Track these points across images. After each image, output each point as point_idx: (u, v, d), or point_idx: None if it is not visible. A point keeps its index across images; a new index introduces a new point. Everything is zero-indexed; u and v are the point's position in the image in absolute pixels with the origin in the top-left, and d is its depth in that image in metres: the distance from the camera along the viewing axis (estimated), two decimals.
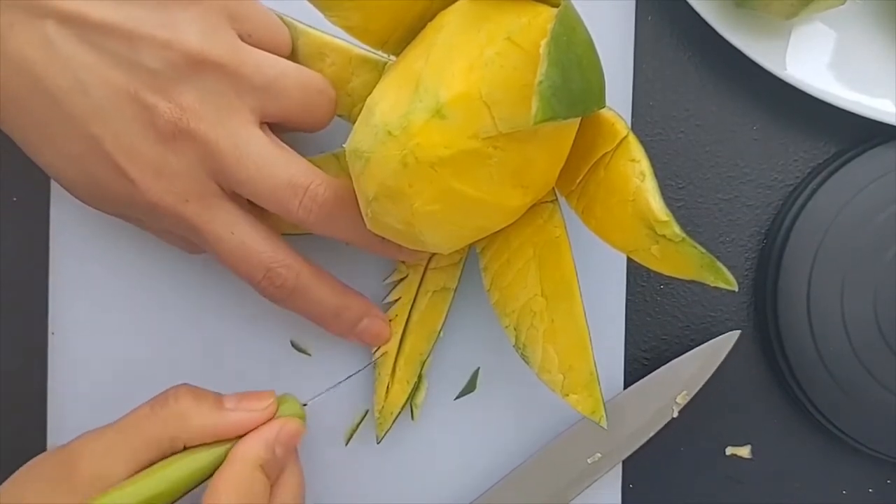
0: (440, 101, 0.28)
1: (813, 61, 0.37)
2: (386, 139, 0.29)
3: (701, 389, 0.38)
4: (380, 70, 0.34)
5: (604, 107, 0.30)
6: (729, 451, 0.40)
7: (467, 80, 0.28)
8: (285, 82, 0.32)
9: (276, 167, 0.32)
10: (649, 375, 0.38)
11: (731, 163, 0.40)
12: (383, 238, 0.33)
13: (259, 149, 0.32)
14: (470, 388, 0.39)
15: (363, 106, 0.31)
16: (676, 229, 0.29)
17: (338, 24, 0.32)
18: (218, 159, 0.31)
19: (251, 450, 0.32)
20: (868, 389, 0.38)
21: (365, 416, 0.38)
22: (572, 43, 0.28)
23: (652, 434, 0.38)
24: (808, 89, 0.37)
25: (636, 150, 0.30)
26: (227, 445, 0.33)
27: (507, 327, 0.35)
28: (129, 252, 0.38)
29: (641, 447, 0.38)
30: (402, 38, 0.32)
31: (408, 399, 0.38)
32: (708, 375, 0.38)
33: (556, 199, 0.34)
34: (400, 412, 0.38)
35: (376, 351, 0.38)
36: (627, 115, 0.39)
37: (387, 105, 0.30)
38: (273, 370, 0.38)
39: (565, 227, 0.34)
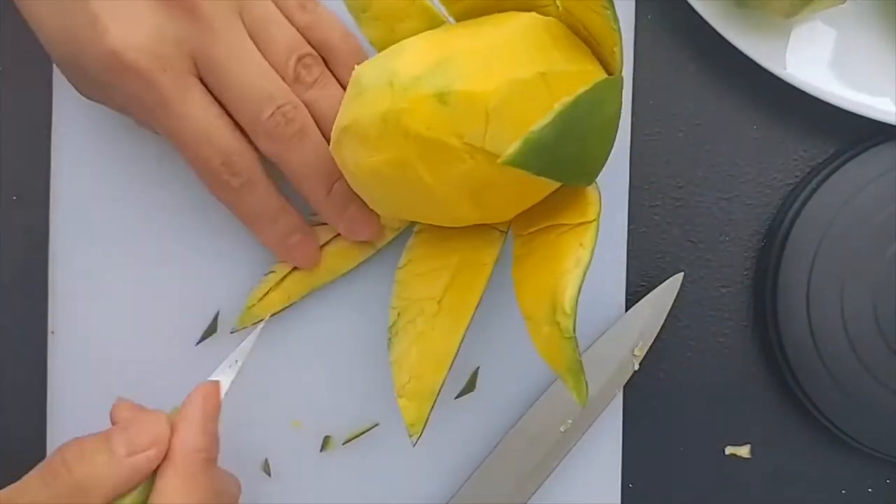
0: (451, 87, 0.28)
1: (813, 60, 0.37)
2: (384, 87, 0.29)
3: (701, 389, 0.38)
4: (433, 27, 0.34)
5: (590, 184, 0.30)
6: (728, 450, 0.40)
7: (485, 84, 0.28)
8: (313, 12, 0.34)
9: (262, 76, 0.32)
10: (602, 336, 0.38)
11: (730, 162, 0.40)
12: (342, 205, 0.35)
13: (251, 54, 0.32)
14: (469, 387, 0.39)
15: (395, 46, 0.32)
16: (570, 326, 0.29)
17: None
18: (209, 42, 0.31)
19: (189, 444, 0.31)
20: (868, 389, 0.38)
21: (374, 426, 0.39)
22: (591, 115, 0.28)
23: (618, 392, 0.38)
24: (807, 88, 0.37)
25: (589, 238, 0.30)
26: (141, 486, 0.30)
27: (393, 308, 0.35)
28: (130, 252, 0.38)
29: (641, 447, 0.38)
30: (471, 8, 0.32)
31: (280, 311, 0.37)
32: (660, 325, 0.38)
33: (506, 233, 0.34)
34: (260, 321, 0.36)
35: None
36: (627, 115, 0.39)
37: (408, 58, 0.30)
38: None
39: (496, 261, 0.34)
